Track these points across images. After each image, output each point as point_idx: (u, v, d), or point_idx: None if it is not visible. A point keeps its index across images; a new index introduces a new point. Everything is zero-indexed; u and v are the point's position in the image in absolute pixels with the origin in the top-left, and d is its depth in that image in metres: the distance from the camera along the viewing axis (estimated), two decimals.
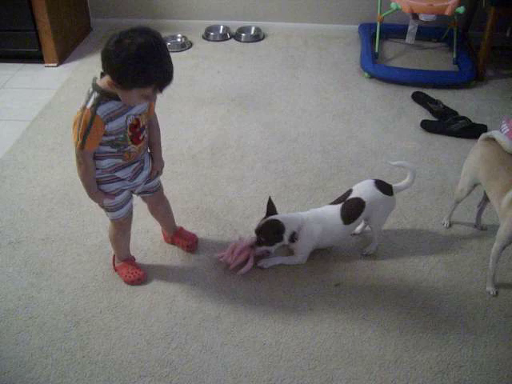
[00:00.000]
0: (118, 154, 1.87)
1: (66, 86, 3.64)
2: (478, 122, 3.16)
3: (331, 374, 1.86)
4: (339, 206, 2.21)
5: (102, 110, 1.72)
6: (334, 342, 1.96)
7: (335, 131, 3.16)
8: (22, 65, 3.90)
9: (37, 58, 3.88)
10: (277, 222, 2.15)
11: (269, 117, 3.30)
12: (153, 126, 2.01)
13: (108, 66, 1.64)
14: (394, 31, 4.17)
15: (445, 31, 4.07)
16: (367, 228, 2.38)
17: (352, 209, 2.20)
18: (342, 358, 1.90)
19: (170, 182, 2.68)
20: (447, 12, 3.45)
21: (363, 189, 2.23)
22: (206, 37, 4.34)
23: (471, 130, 3.07)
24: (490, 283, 2.15)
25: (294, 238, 2.17)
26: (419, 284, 2.19)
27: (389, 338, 1.98)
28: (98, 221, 2.48)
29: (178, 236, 2.37)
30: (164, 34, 4.20)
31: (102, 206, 2.01)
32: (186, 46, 4.18)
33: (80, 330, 2.00)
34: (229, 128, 3.19)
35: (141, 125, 1.87)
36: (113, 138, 1.81)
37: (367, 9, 4.17)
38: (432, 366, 1.88)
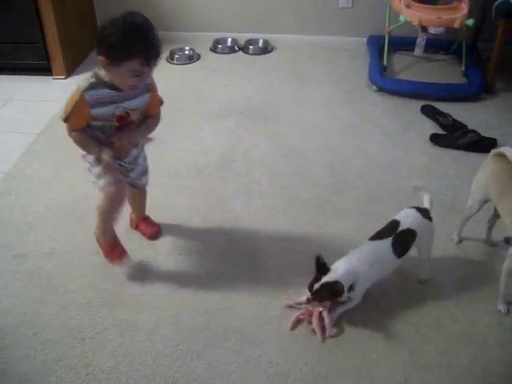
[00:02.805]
0: (107, 142, 2.00)
1: None
2: (487, 135, 3.12)
3: None
4: (389, 240, 2.09)
5: (91, 94, 1.87)
6: (343, 361, 1.92)
7: (342, 145, 3.14)
8: (30, 77, 3.91)
9: (45, 70, 3.89)
10: (337, 284, 1.96)
11: (276, 130, 3.28)
12: (152, 116, 2.12)
13: (100, 46, 1.81)
14: (402, 44, 4.14)
15: (454, 43, 4.05)
16: None
17: (405, 241, 2.11)
18: (351, 378, 1.87)
19: (177, 196, 2.66)
20: (456, 25, 3.43)
21: (410, 219, 2.13)
22: (214, 49, 4.34)
23: (481, 144, 3.03)
24: (501, 301, 2.11)
25: (351, 289, 2.02)
26: (428, 302, 2.15)
27: (398, 357, 1.94)
28: None
29: (143, 223, 2.46)
30: (172, 47, 4.23)
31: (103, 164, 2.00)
32: (193, 58, 4.18)
33: (85, 346, 1.98)
34: (236, 141, 3.18)
35: (129, 119, 2.00)
36: (100, 124, 1.95)
37: (375, 21, 4.14)
38: None
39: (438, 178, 2.84)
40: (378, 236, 2.12)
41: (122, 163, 2.11)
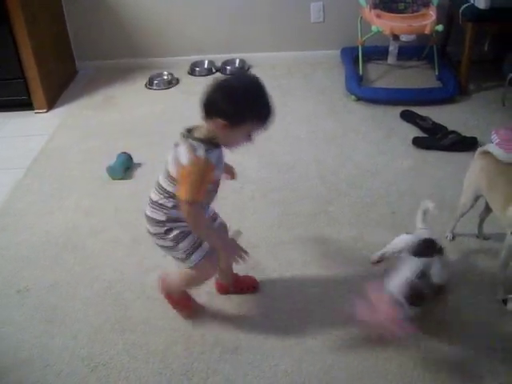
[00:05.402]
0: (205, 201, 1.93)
1: (57, 131, 3.65)
2: (467, 134, 3.22)
3: None
4: None
5: (213, 156, 1.78)
6: (357, 363, 1.96)
7: (329, 156, 3.20)
8: (11, 113, 3.90)
9: (26, 105, 3.89)
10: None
11: (263, 147, 3.31)
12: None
13: (218, 110, 1.71)
14: (375, 53, 4.24)
15: (424, 49, 4.16)
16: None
17: None
18: (369, 378, 1.90)
19: None
20: (427, 31, 3.54)
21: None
22: (192, 72, 4.39)
23: (462, 143, 3.14)
24: (500, 291, 2.17)
25: None
26: None
27: (408, 354, 1.98)
28: (104, 263, 2.48)
29: (238, 280, 2.30)
30: (150, 73, 4.29)
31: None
32: (172, 82, 4.23)
33: (98, 373, 1.98)
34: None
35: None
36: (211, 186, 1.87)
37: (347, 34, 4.23)
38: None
39: (426, 179, 2.92)
40: None
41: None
